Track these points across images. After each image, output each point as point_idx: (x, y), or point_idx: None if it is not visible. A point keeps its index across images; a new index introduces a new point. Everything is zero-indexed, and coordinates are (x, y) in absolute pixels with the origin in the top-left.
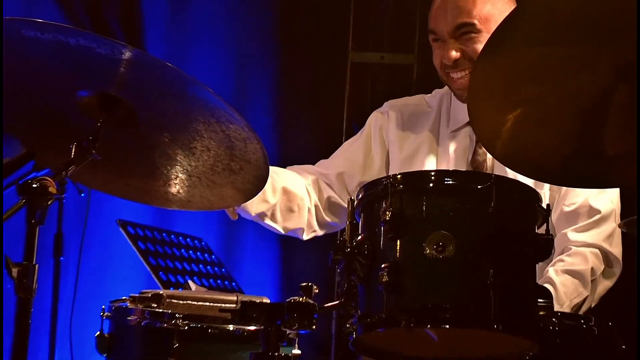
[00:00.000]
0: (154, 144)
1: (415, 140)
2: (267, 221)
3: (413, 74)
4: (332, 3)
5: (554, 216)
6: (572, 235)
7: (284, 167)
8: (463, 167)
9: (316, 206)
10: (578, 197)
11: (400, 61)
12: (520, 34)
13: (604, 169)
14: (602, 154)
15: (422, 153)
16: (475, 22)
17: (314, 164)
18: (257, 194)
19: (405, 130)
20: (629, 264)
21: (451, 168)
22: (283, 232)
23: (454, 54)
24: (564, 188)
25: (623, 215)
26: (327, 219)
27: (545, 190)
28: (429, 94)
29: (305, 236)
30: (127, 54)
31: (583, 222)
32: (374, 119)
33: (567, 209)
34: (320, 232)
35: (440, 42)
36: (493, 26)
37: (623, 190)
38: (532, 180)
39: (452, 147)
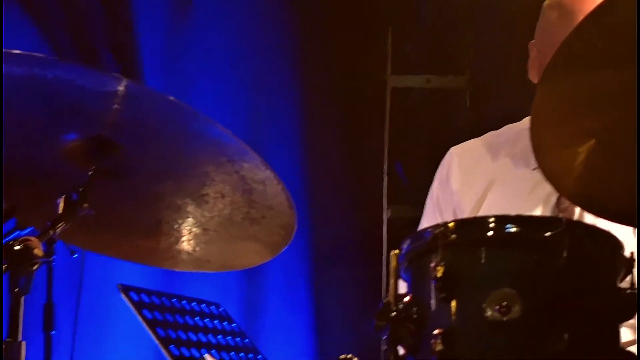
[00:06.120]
0: (159, 194)
1: (484, 182)
2: None
3: (466, 99)
4: (366, 19)
5: None
6: None
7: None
8: (548, 213)
9: None
10: None
11: (449, 85)
12: (588, 53)
13: None
14: None
15: (493, 197)
16: None
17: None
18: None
19: (472, 174)
20: None
21: (534, 214)
22: None
23: None
24: None
25: None
26: None
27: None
28: (497, 131)
29: None
30: (120, 88)
31: None
32: (438, 175)
33: None
34: None
35: None
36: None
37: None
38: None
39: (532, 189)
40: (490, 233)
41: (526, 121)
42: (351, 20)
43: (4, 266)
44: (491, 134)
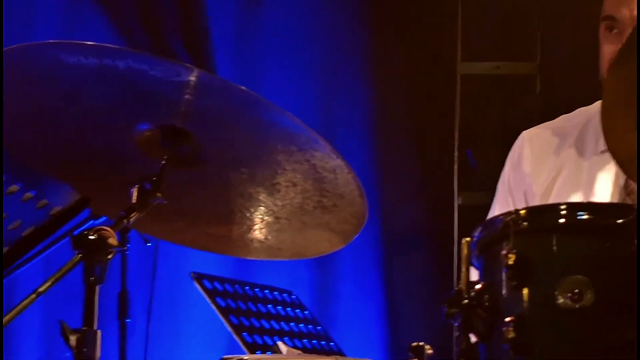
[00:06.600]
0: (231, 182)
1: (555, 167)
2: None
3: (536, 85)
4: (435, 7)
5: None
6: None
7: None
8: (616, 195)
9: None
10: None
11: (519, 71)
12: None
13: None
14: None
15: (563, 180)
16: None
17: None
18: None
19: (543, 159)
20: None
21: (603, 196)
22: None
23: None
24: None
25: None
26: None
27: None
28: (570, 114)
29: None
30: (192, 78)
31: None
32: (509, 159)
33: None
34: None
35: (616, 33)
36: None
37: None
38: None
39: (601, 171)
40: (562, 220)
41: (598, 104)
42: (420, 8)
43: (79, 256)
44: (563, 118)
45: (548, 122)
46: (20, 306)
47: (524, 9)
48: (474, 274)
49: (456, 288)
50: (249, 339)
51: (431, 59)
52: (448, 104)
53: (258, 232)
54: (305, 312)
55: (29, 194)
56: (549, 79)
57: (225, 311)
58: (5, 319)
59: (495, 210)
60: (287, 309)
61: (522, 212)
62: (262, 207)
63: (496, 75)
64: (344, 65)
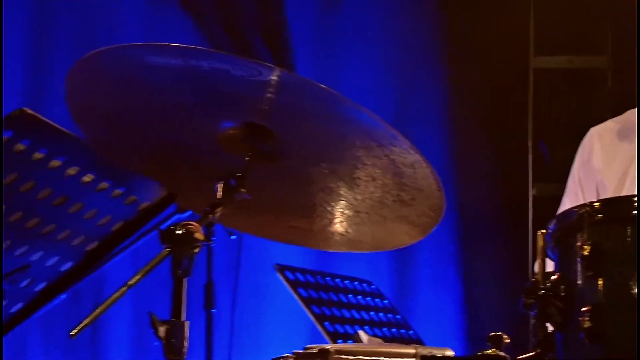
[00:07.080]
0: (312, 177)
1: (625, 160)
2: None
3: (608, 79)
4: (508, 2)
5: None
6: None
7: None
8: None
9: None
10: None
11: (591, 65)
12: None
13: None
14: None
15: (635, 172)
16: None
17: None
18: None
19: (613, 153)
20: None
21: None
22: None
23: None
24: None
25: None
26: None
27: None
28: (636, 108)
29: None
30: (274, 77)
31: None
32: (579, 155)
33: None
34: None
35: None
36: None
37: None
38: None
39: None
40: (636, 212)
41: None
42: (494, 3)
43: (167, 250)
44: (630, 112)
45: (615, 117)
46: (112, 298)
47: (595, 2)
48: (550, 265)
49: (533, 279)
50: (330, 328)
51: (504, 54)
52: (521, 97)
53: (339, 226)
54: (385, 301)
55: (118, 191)
56: (620, 72)
57: (307, 301)
58: (98, 310)
59: (566, 206)
60: (367, 298)
61: (596, 204)
62: (342, 201)
63: (568, 69)
64: (419, 62)
